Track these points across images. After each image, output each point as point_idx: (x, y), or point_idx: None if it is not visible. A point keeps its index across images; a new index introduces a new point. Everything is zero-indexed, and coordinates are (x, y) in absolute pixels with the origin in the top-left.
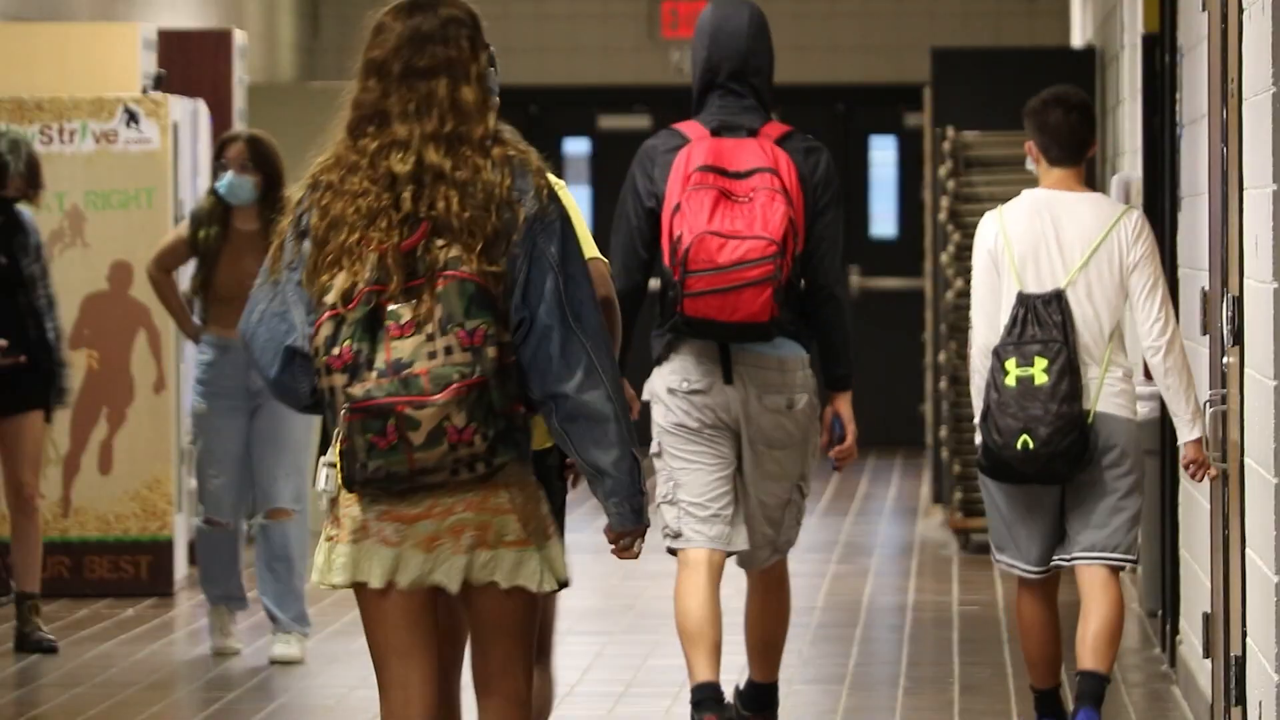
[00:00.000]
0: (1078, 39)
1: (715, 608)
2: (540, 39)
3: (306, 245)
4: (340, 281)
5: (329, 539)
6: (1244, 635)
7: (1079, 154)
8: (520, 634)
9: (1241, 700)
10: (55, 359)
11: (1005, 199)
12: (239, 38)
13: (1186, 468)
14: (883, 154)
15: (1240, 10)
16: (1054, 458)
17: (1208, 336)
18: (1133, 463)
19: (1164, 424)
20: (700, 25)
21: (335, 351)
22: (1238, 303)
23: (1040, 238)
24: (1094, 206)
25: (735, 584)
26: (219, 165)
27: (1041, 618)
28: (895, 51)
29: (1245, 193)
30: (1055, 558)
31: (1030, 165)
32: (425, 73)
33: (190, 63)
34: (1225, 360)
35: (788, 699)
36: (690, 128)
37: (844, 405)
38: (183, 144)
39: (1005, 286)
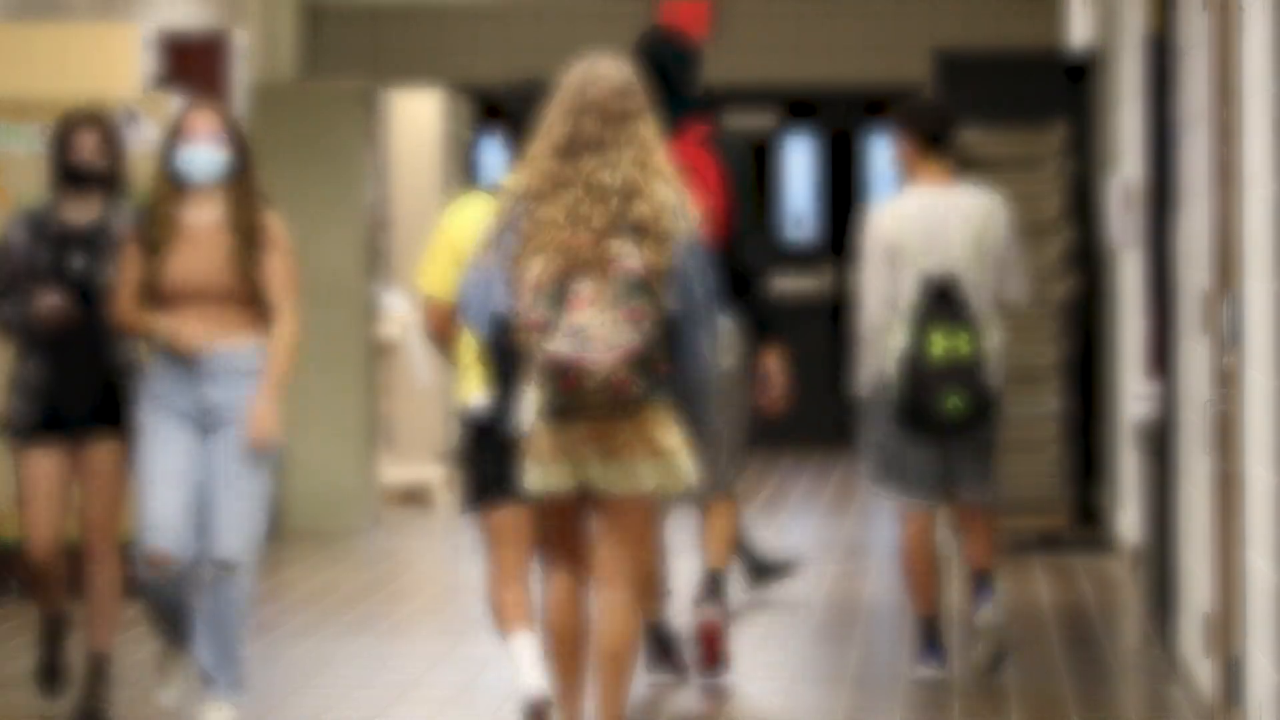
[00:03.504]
0: (1078, 39)
1: None
2: (540, 39)
3: (509, 236)
4: (537, 264)
5: (544, 452)
6: (1244, 635)
7: (948, 152)
8: (646, 529)
9: (1241, 700)
10: (122, 382)
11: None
12: (239, 38)
13: None
14: (883, 154)
15: (1240, 10)
16: (974, 415)
17: (1208, 336)
18: (998, 424)
19: (1163, 424)
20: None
21: (534, 316)
22: (1238, 302)
23: (932, 228)
24: (970, 197)
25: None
26: (174, 141)
27: (926, 547)
28: (895, 51)
29: (1245, 193)
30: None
31: (901, 163)
32: (632, 115)
33: (190, 63)
34: (1225, 360)
35: (788, 699)
36: None
37: (770, 359)
38: None
39: (907, 272)
